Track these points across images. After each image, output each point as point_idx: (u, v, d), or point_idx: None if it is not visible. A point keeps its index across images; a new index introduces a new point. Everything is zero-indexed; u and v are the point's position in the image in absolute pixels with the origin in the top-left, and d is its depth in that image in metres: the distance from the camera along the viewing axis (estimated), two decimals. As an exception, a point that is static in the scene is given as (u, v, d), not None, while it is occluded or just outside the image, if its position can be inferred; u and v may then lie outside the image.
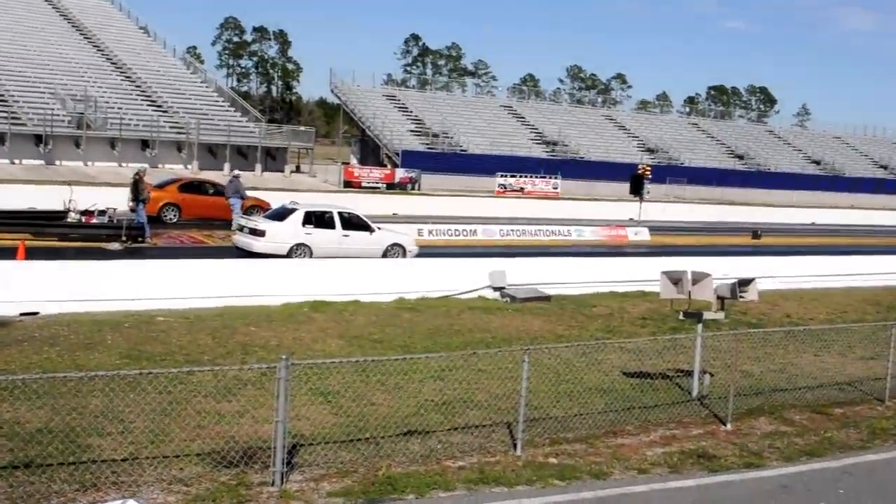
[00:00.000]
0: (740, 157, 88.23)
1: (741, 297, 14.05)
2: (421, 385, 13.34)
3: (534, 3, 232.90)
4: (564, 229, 39.29)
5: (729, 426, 12.86)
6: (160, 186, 34.64)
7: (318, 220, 26.30)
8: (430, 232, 35.01)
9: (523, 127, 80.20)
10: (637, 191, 48.81)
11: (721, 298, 14.19)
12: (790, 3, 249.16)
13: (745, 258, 30.37)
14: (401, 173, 59.58)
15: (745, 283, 14.07)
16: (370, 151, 71.78)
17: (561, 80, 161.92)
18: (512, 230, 37.91)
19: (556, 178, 64.70)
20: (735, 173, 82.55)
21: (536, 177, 64.07)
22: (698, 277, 13.83)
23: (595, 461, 11.05)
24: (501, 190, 60.87)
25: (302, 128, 71.12)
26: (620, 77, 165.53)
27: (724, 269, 21.78)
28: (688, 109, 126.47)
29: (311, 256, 25.25)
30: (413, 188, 58.28)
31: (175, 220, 33.30)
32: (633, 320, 20.39)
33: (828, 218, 61.99)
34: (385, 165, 64.47)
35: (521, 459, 10.88)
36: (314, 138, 66.92)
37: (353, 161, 71.45)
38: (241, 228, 26.83)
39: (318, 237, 25.75)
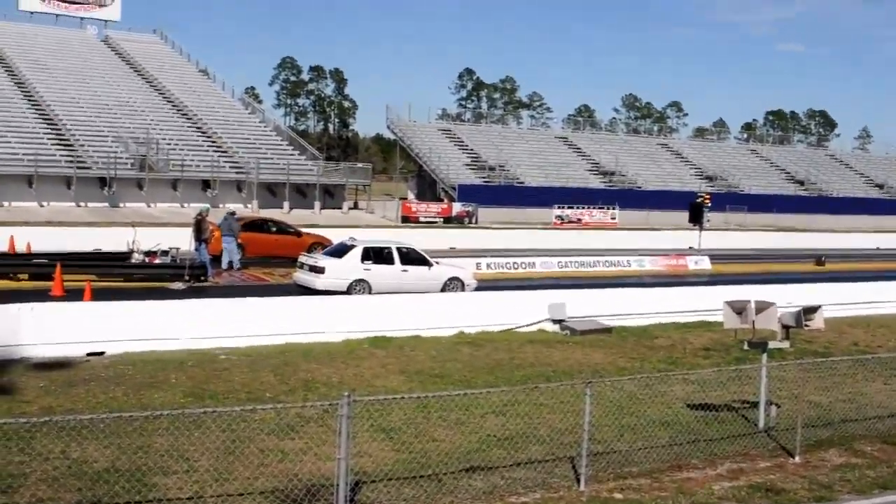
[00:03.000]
0: (801, 183, 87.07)
1: (806, 325, 13.84)
2: (482, 420, 13.29)
3: (586, 34, 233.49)
4: (624, 259, 39.02)
5: (797, 458, 12.61)
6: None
7: (376, 255, 26.71)
8: (489, 265, 34.96)
9: (579, 157, 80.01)
10: (697, 219, 48.31)
11: (786, 327, 13.99)
12: (847, 24, 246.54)
13: (809, 285, 29.85)
14: (458, 207, 59.67)
15: (810, 310, 13.85)
16: (427, 186, 72.05)
17: (616, 110, 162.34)
18: (570, 262, 37.67)
19: (613, 208, 64.33)
20: (796, 199, 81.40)
21: (593, 207, 63.75)
22: (762, 306, 13.64)
23: (661, 496, 10.90)
24: (559, 221, 60.67)
25: (359, 164, 71.66)
26: (676, 105, 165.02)
27: (788, 297, 21.50)
28: (745, 136, 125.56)
29: (370, 292, 25.45)
30: (470, 222, 58.33)
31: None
32: (696, 351, 20.15)
33: (892, 242, 60.79)
34: (442, 200, 64.61)
35: (585, 495, 10.76)
36: (371, 174, 67.38)
37: (411, 196, 71.76)
38: (301, 266, 27.00)
39: (376, 272, 26.09)
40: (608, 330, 21.86)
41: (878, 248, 57.61)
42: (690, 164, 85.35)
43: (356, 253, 26.52)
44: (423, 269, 27.09)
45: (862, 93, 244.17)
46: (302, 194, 57.74)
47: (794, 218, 72.03)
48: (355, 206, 62.65)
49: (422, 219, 56.34)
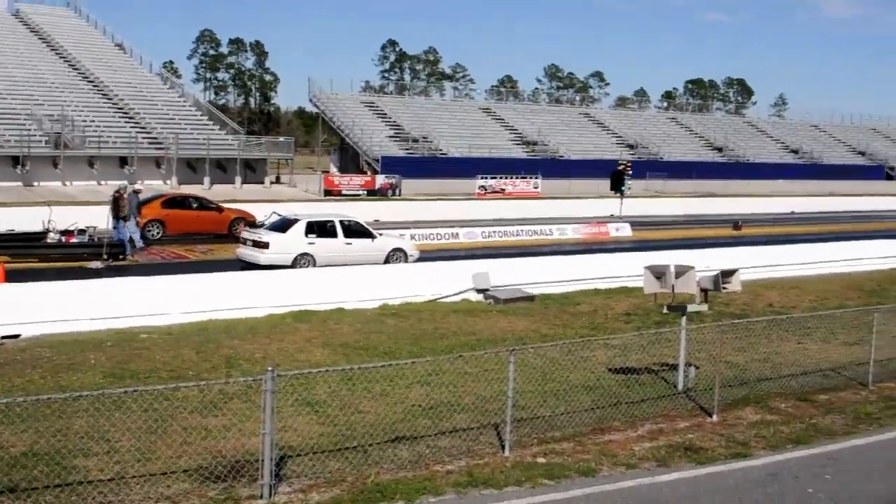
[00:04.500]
0: (719, 150, 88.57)
1: (724, 288, 14.12)
2: (407, 390, 13.34)
3: (510, 4, 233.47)
4: (546, 228, 39.37)
5: (715, 417, 12.92)
6: (144, 203, 33.87)
7: (320, 229, 26.88)
8: (413, 236, 34.97)
9: (502, 128, 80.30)
10: (617, 187, 48.88)
11: (704, 291, 14.25)
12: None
13: (726, 249, 30.50)
14: (381, 180, 59.58)
15: (727, 274, 14.13)
16: (350, 159, 71.74)
17: (539, 80, 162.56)
18: (494, 231, 37.97)
19: (536, 177, 64.77)
20: (715, 166, 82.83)
21: (517, 177, 64.12)
22: (681, 271, 13.86)
23: (583, 459, 11.08)
24: (482, 192, 60.89)
25: (281, 138, 70.89)
26: (598, 75, 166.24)
27: (706, 262, 21.90)
28: (666, 104, 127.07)
29: (314, 265, 25.70)
30: (394, 194, 58.28)
31: (159, 236, 32.95)
32: (618, 316, 20.44)
33: (807, 206, 62.23)
34: (365, 172, 64.42)
35: (510, 460, 10.89)
36: (293, 148, 66.76)
37: (333, 169, 71.35)
38: (244, 241, 27.00)
39: (321, 246, 26.32)
40: (531, 298, 22.05)
41: (792, 213, 58.90)
42: (612, 132, 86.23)
43: (300, 227, 26.61)
44: (367, 241, 27.34)
45: (778, 61, 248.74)
46: (222, 169, 57.03)
47: (713, 184, 73.26)
48: (277, 181, 62.10)
49: (345, 192, 56.15)
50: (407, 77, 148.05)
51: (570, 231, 39.91)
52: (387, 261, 27.17)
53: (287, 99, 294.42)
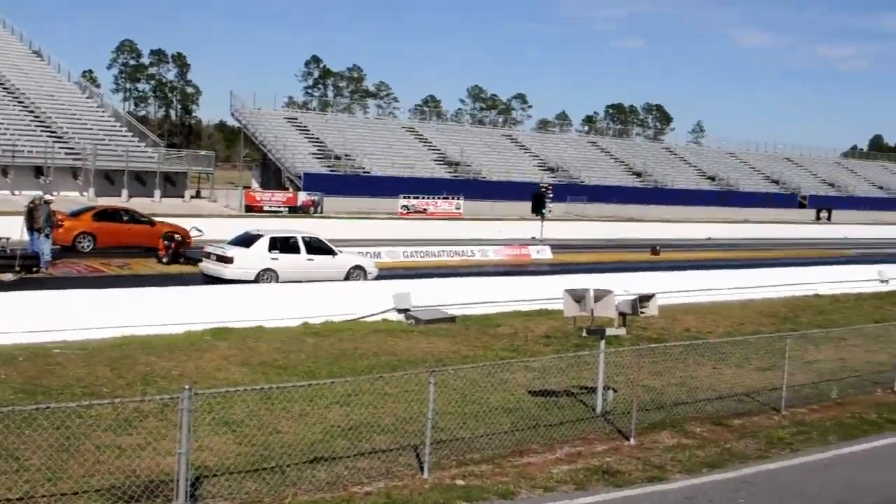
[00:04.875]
0: (638, 175, 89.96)
1: (642, 312, 14.30)
2: (326, 411, 13.24)
3: (435, 24, 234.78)
4: (468, 249, 39.50)
5: (632, 441, 13.07)
6: (75, 215, 34.14)
7: (283, 245, 27.38)
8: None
9: (425, 148, 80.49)
10: (538, 209, 49.39)
11: (623, 315, 14.42)
12: (686, 23, 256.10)
13: (645, 274, 30.98)
14: (303, 196, 59.18)
15: (645, 298, 14.32)
16: (272, 175, 71.20)
17: (462, 101, 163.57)
18: (416, 251, 37.90)
19: (458, 198, 65.02)
20: (634, 190, 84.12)
21: (439, 198, 64.29)
22: (600, 295, 14.01)
23: (502, 481, 11.10)
24: (405, 211, 60.93)
25: (202, 152, 70.16)
26: (521, 97, 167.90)
27: (625, 286, 22.18)
28: (587, 128, 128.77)
29: (277, 281, 26.11)
30: (316, 211, 57.93)
31: (90, 248, 32.53)
32: (538, 339, 20.57)
33: (723, 232, 63.54)
34: (287, 189, 63.98)
35: (429, 482, 10.87)
36: (214, 162, 66.12)
37: (255, 185, 70.77)
38: (207, 256, 27.27)
39: (283, 262, 26.79)
40: (452, 319, 22.08)
41: (709, 239, 60.02)
42: (534, 155, 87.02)
43: (263, 243, 27.05)
44: (328, 257, 27.86)
45: (696, 89, 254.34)
46: (141, 182, 56.17)
47: (632, 208, 74.39)
48: (198, 195, 61.38)
49: (266, 208, 55.63)
50: (330, 94, 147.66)
51: (492, 252, 40.13)
52: (347, 277, 27.69)
53: (209, 112, 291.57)
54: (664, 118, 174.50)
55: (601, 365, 14.15)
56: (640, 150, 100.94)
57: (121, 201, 49.49)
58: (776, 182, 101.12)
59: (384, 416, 13.14)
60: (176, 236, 32.08)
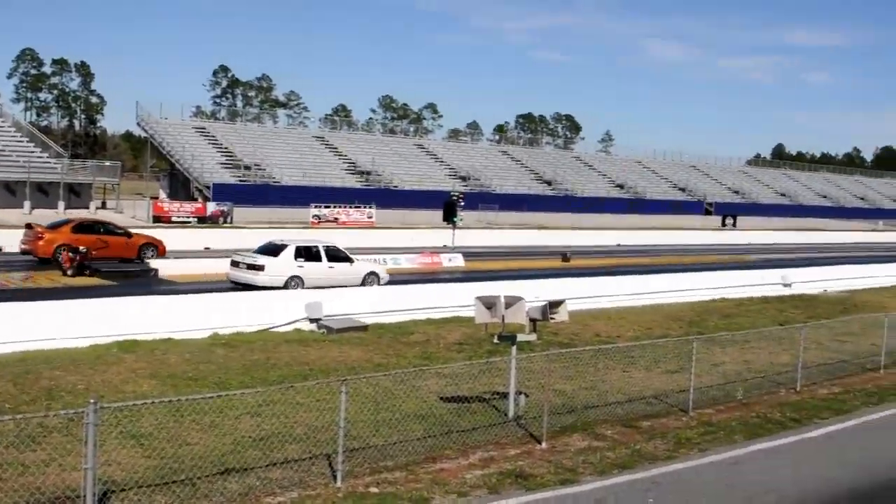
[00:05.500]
0: (549, 183, 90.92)
1: (552, 318, 14.42)
2: (237, 422, 13.08)
3: (345, 34, 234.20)
4: (380, 258, 39.36)
5: (544, 444, 13.18)
6: (53, 227, 35.12)
7: (307, 253, 29.14)
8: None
9: (336, 157, 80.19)
10: (450, 218, 49.52)
11: (533, 320, 14.54)
12: (596, 35, 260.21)
13: (556, 280, 31.29)
14: (212, 207, 58.52)
15: (555, 304, 14.45)
16: (180, 185, 70.16)
17: (373, 110, 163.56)
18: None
19: (370, 207, 64.96)
20: (545, 198, 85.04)
21: (351, 207, 64.15)
22: (511, 301, 14.12)
23: (415, 488, 11.10)
24: (316, 221, 60.62)
25: (107, 163, 68.93)
26: (432, 106, 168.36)
27: (536, 292, 22.43)
28: (497, 137, 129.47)
29: (303, 287, 27.47)
30: (225, 221, 57.31)
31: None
32: (450, 346, 20.62)
33: (632, 239, 64.61)
34: (196, 199, 63.11)
35: (342, 491, 10.82)
36: (120, 173, 64.94)
37: (163, 195, 69.64)
38: (236, 265, 28.73)
39: (308, 269, 28.62)
40: (364, 327, 22.01)
41: (618, 245, 60.96)
42: (445, 164, 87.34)
43: (290, 251, 28.86)
44: (346, 265, 29.88)
45: (605, 99, 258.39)
46: (44, 193, 54.87)
47: (543, 216, 75.20)
48: (103, 206, 60.22)
49: (174, 218, 54.87)
50: (239, 103, 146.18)
51: (404, 261, 40.13)
52: (363, 283, 29.56)
53: (114, 122, 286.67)
54: (574, 127, 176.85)
55: (513, 370, 14.24)
56: (550, 158, 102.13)
57: (23, 213, 48.23)
58: (683, 190, 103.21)
59: (296, 425, 13.04)
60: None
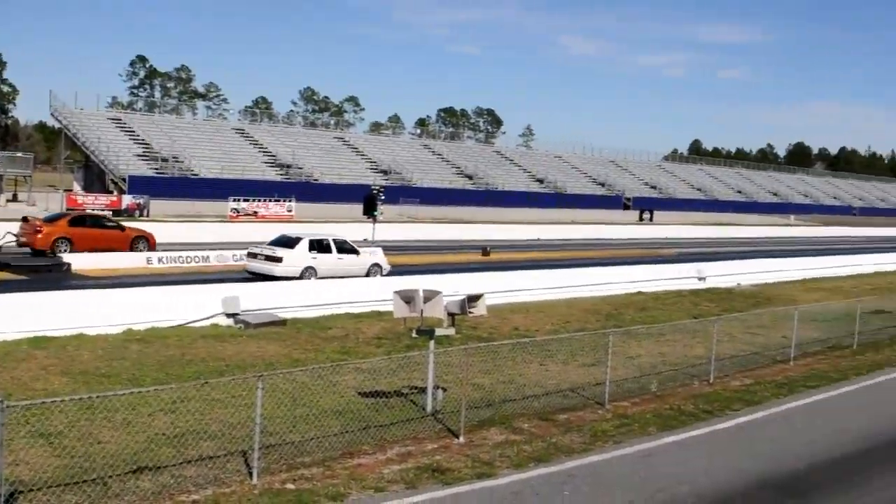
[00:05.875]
0: (470, 178, 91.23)
1: (470, 312, 14.49)
2: (151, 419, 12.88)
3: (266, 25, 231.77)
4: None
5: (462, 439, 13.23)
6: (50, 221, 36.50)
7: (319, 246, 31.06)
8: (160, 259, 33.98)
9: (256, 150, 79.40)
10: (370, 212, 49.32)
11: (452, 315, 14.58)
12: (518, 30, 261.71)
13: (475, 274, 31.44)
14: (128, 199, 57.52)
15: (473, 298, 14.51)
16: (95, 177, 68.74)
17: (294, 103, 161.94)
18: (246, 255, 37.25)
19: (290, 200, 64.46)
20: (465, 193, 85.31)
21: (270, 200, 63.56)
22: (429, 295, 14.13)
23: (332, 483, 11.06)
24: (234, 214, 59.93)
25: (19, 154, 67.22)
26: (353, 99, 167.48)
27: (455, 286, 22.47)
28: (419, 131, 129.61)
29: (317, 277, 29.52)
30: (141, 214, 56.35)
31: (67, 252, 34.08)
32: (369, 340, 20.57)
33: (552, 233, 65.13)
34: (111, 192, 61.92)
35: (258, 488, 10.73)
36: (33, 164, 63.33)
37: (77, 188, 68.14)
38: (254, 256, 30.73)
39: (320, 260, 30.54)
40: (283, 322, 21.82)
41: (538, 239, 61.42)
42: (366, 158, 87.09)
43: (304, 244, 30.68)
44: (354, 256, 31.82)
45: (527, 94, 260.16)
46: (-47, 185, 53.33)
47: (464, 210, 75.44)
48: (14, 198, 58.71)
49: (89, 211, 53.68)
50: (157, 94, 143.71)
51: (324, 255, 39.78)
52: (367, 274, 31.43)
53: (27, 112, 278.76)
54: (495, 122, 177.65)
55: (431, 365, 14.27)
56: (471, 153, 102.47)
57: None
58: (602, 184, 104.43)
59: (212, 422, 12.89)
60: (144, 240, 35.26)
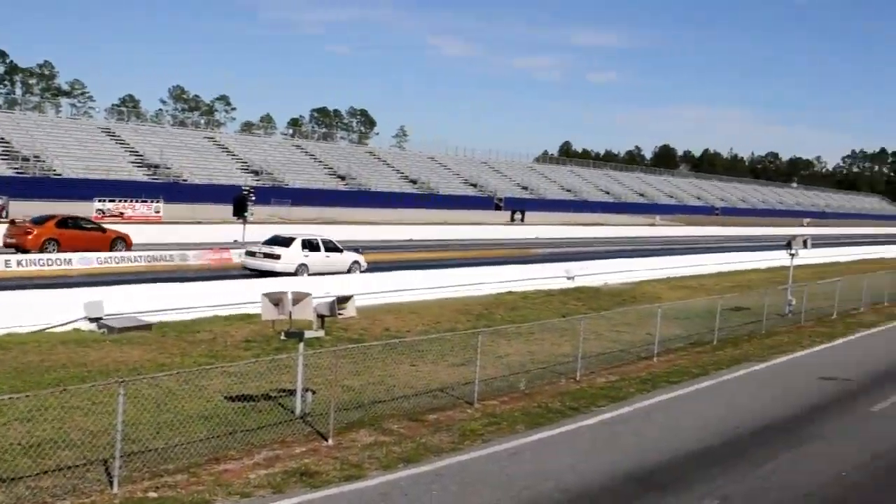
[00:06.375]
0: (343, 178, 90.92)
1: (340, 313, 14.45)
2: (6, 429, 12.40)
3: (132, 21, 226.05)
4: (167, 254, 38.29)
5: (330, 441, 13.16)
6: (38, 223, 37.94)
7: (310, 245, 34.27)
8: (19, 262, 32.79)
9: (122, 149, 77.42)
10: (240, 213, 48.56)
11: (321, 316, 14.50)
12: (392, 30, 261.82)
13: (347, 276, 31.33)
14: (-15, 200, 55.29)
15: (343, 300, 14.47)
16: (-50, 178, 65.88)
17: (163, 101, 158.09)
18: (110, 257, 36.34)
19: (158, 201, 63.00)
20: (338, 193, 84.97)
21: (137, 201, 61.96)
22: (298, 297, 14.04)
23: (197, 490, 10.87)
24: (100, 215, 57.99)
25: None
26: (224, 98, 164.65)
27: (326, 288, 22.36)
28: (291, 131, 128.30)
29: (308, 273, 32.07)
30: (0, 216, 54.19)
31: (55, 251, 35.80)
32: (238, 344, 20.25)
33: (425, 234, 65.29)
34: (-33, 192, 59.42)
35: (118, 497, 10.47)
36: None
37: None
38: (253, 254, 34.11)
39: (312, 258, 33.67)
40: (148, 326, 21.29)
41: (410, 240, 61.53)
42: (237, 158, 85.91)
43: (298, 243, 33.98)
44: (338, 254, 35.09)
45: (400, 94, 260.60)
46: None
47: (336, 211, 75.02)
48: None
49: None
50: (19, 91, 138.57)
51: (192, 257, 39.10)
52: (349, 270, 34.61)
53: None
54: (369, 122, 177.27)
55: (300, 367, 14.15)
56: (344, 153, 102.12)
57: None
58: (474, 185, 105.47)
59: (71, 430, 12.50)
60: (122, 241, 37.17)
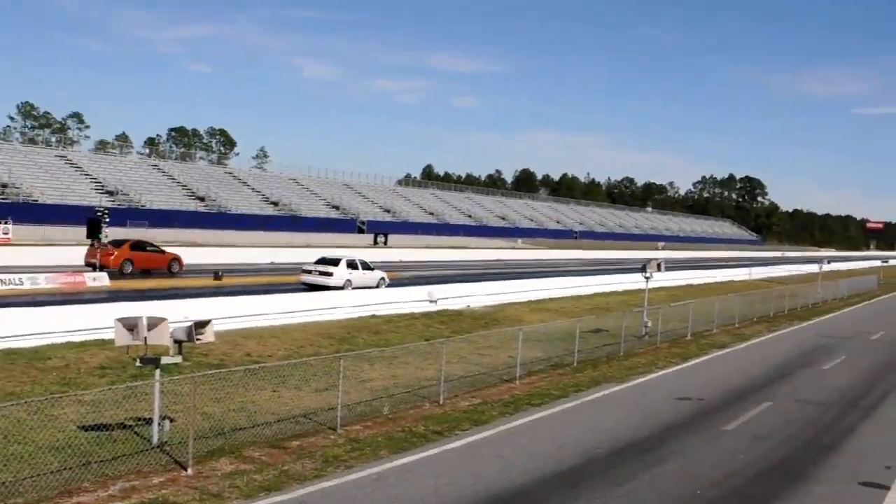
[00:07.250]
0: (202, 199, 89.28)
1: (198, 339, 14.12)
2: None
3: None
4: (16, 278, 36.70)
5: (190, 471, 12.83)
6: (116, 245, 44.17)
7: (352, 264, 42.38)
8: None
9: (-32, 168, 74.17)
10: (94, 235, 47.03)
11: (178, 342, 14.15)
12: (252, 50, 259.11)
13: (207, 300, 30.63)
14: None
15: (201, 325, 14.15)
16: None
17: (11, 118, 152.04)
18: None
19: (5, 222, 60.51)
20: (197, 215, 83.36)
21: (-17, 222, 59.45)
22: (154, 322, 13.67)
23: (47, 526, 10.40)
24: (-58, 237, 55.60)
25: None
26: (77, 116, 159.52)
27: (185, 312, 21.81)
28: (148, 151, 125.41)
29: (352, 287, 39.82)
30: None
31: (130, 270, 43.56)
32: (92, 371, 19.54)
33: (286, 257, 64.50)
34: None
35: (-40, 535, 9.92)
36: None
37: None
38: (309, 272, 41.35)
39: (354, 275, 41.80)
40: (-4, 353, 20.34)
41: (272, 263, 60.77)
42: (91, 177, 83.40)
43: (344, 263, 41.87)
44: (370, 272, 43.22)
45: (261, 115, 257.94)
46: None
47: (196, 233, 73.59)
48: None
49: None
50: None
51: (43, 280, 37.62)
52: (377, 285, 42.06)
53: None
54: (229, 143, 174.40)
55: (156, 394, 13.76)
56: (203, 174, 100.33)
57: None
58: (337, 208, 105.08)
59: None
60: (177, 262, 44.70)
